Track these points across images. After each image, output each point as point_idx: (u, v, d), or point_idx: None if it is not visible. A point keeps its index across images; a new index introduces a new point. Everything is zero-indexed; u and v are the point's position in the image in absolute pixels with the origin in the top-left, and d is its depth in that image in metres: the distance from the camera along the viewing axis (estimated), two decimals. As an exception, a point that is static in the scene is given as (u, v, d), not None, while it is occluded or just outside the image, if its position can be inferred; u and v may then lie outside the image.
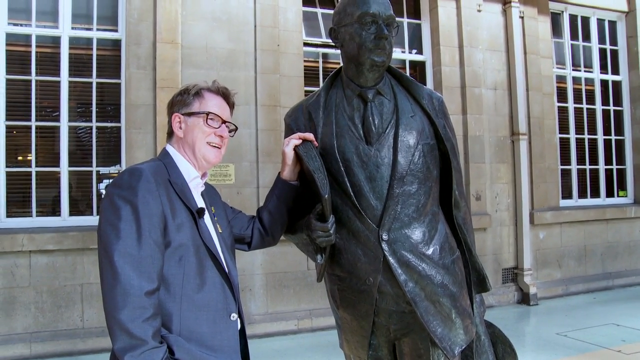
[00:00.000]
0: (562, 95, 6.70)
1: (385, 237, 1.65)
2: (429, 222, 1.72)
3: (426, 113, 1.79)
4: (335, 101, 1.81)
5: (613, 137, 7.01)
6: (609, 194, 6.93)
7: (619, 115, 7.09)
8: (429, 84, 5.82)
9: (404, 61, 5.85)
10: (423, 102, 1.79)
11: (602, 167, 6.89)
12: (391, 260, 1.64)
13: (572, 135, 6.70)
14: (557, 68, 6.67)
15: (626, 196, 7.02)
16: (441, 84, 5.70)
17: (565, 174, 6.62)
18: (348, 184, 1.69)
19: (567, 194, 6.63)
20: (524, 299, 5.86)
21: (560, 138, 6.54)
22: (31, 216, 4.43)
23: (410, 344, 1.74)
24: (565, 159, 6.60)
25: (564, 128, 6.64)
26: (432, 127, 1.78)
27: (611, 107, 7.02)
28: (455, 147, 1.83)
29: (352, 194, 1.68)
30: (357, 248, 1.70)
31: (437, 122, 1.78)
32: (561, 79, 6.73)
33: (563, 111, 6.67)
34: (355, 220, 1.69)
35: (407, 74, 1.91)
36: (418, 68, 5.99)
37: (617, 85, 7.08)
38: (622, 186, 7.05)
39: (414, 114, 1.76)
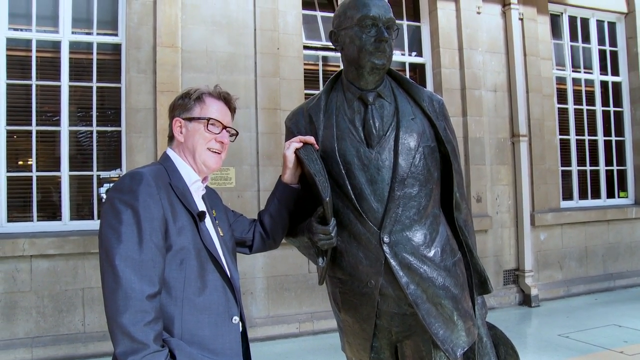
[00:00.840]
0: (562, 96, 6.70)
1: (386, 239, 1.65)
2: (430, 225, 1.72)
3: (427, 115, 1.79)
4: (335, 104, 1.81)
5: (613, 138, 7.01)
6: (610, 195, 6.92)
7: (619, 116, 7.09)
8: (429, 87, 5.82)
9: (403, 64, 5.85)
10: (423, 105, 1.80)
11: (602, 168, 6.89)
12: (392, 262, 1.64)
13: (573, 137, 6.70)
14: (557, 69, 6.67)
15: (627, 197, 7.02)
16: (441, 86, 5.70)
17: (566, 175, 6.61)
18: (349, 187, 1.69)
19: (567, 195, 6.62)
20: (525, 300, 5.85)
21: (561, 139, 6.54)
22: (32, 221, 4.43)
23: (412, 347, 1.74)
24: (565, 160, 6.60)
25: (564, 129, 6.64)
26: (432, 129, 1.78)
27: (611, 108, 7.02)
28: (455, 149, 1.83)
29: (353, 196, 1.68)
30: (359, 251, 1.70)
31: (438, 124, 1.78)
32: (561, 80, 6.73)
33: (563, 112, 6.67)
34: (357, 223, 1.69)
35: (407, 76, 1.91)
36: (418, 70, 5.99)
37: (617, 86, 7.08)
38: (622, 187, 7.05)
39: (414, 117, 1.76)
